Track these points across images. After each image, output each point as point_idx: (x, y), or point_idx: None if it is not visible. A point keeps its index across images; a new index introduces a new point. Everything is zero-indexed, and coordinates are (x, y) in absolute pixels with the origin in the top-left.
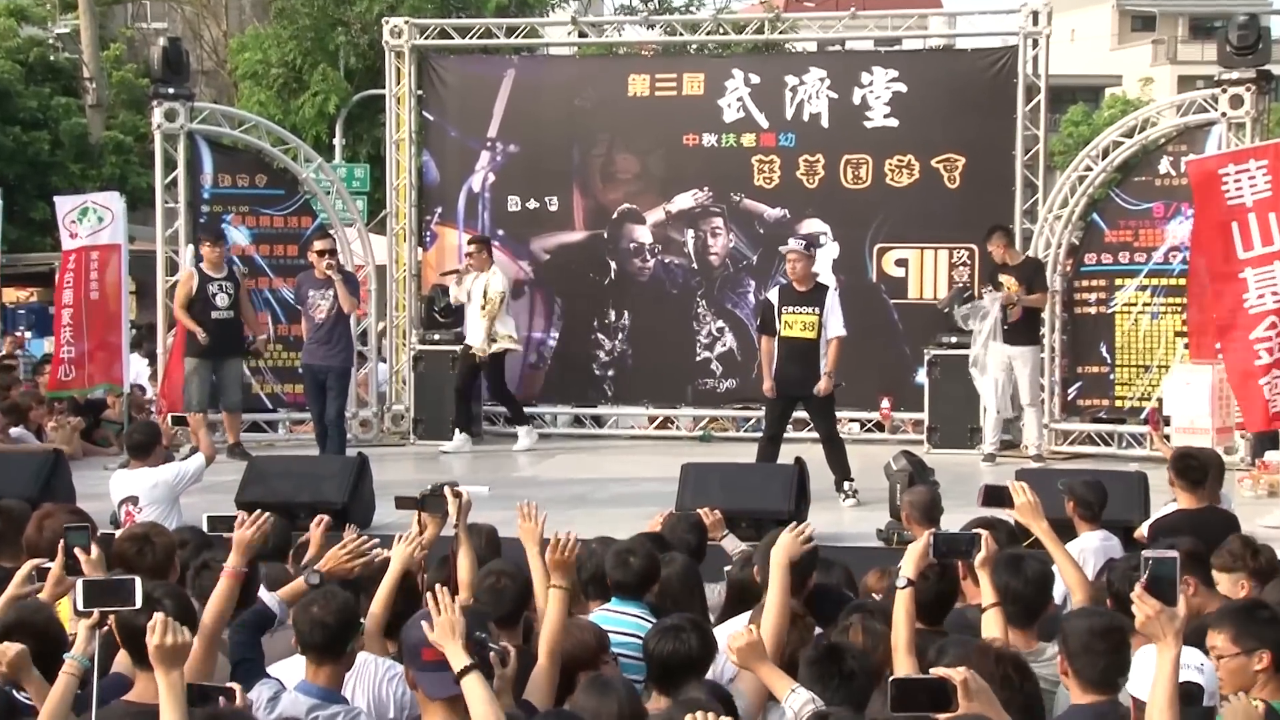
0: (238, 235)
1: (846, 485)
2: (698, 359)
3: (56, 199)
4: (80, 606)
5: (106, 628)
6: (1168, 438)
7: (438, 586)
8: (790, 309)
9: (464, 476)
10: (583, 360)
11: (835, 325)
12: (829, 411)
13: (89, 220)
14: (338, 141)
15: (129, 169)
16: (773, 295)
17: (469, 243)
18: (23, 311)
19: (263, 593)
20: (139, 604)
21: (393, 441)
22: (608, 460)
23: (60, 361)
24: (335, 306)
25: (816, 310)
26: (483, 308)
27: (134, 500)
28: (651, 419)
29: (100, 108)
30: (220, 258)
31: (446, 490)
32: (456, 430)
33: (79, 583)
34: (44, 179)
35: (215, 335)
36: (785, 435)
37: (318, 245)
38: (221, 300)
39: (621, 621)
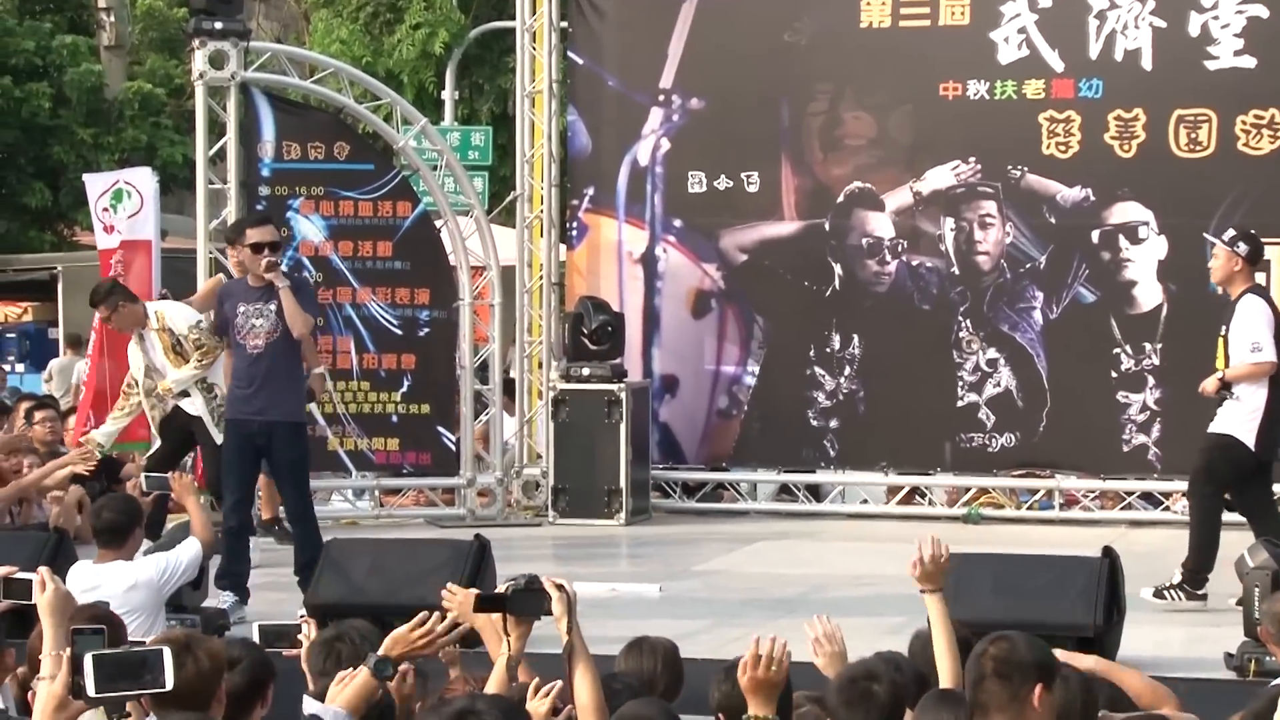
0: (308, 228)
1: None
2: (960, 404)
3: (86, 179)
4: (92, 692)
5: None
6: None
7: None
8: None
9: (627, 571)
10: (794, 405)
11: (1240, 350)
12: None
13: (126, 207)
14: (448, 95)
15: (159, 135)
16: None
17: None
18: (11, 336)
19: (311, 705)
20: (170, 683)
21: (525, 520)
22: (830, 549)
23: (89, 404)
24: (279, 329)
25: (1225, 329)
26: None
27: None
28: (892, 491)
29: (120, 49)
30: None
31: (545, 582)
32: None
33: (88, 658)
34: (43, 149)
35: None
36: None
37: (252, 235)
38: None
39: None
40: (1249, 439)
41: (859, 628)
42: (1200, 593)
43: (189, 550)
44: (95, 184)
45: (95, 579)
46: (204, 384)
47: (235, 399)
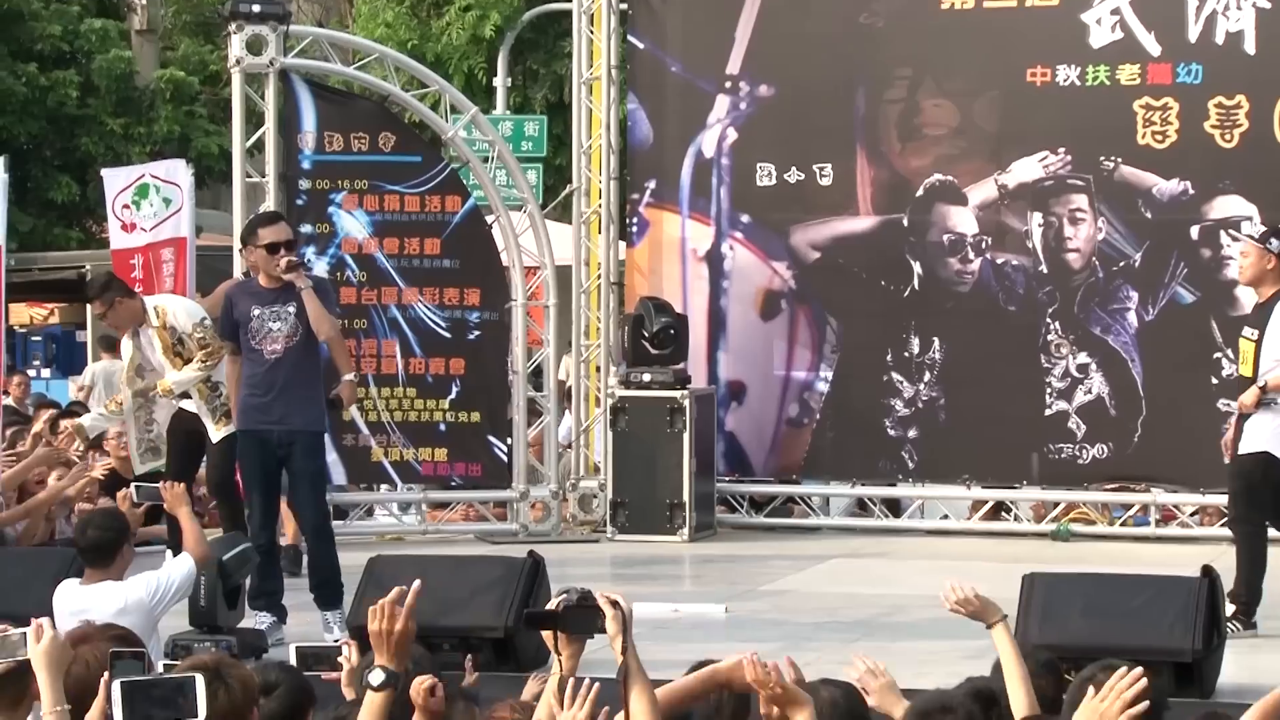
0: (352, 224)
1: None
2: (1048, 412)
3: (105, 173)
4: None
5: None
6: None
7: None
8: (1244, 331)
9: (691, 591)
10: (869, 414)
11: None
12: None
13: (152, 204)
14: (500, 82)
15: (193, 126)
16: None
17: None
18: (38, 339)
19: None
20: (202, 712)
21: (581, 536)
22: (907, 568)
23: None
24: (299, 332)
25: (1257, 333)
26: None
27: None
28: (975, 505)
29: (152, 34)
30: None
31: (598, 598)
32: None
33: (117, 685)
34: (70, 141)
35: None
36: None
37: (265, 235)
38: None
39: None
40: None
41: (938, 652)
42: (1253, 622)
43: (181, 568)
44: (115, 179)
45: (83, 601)
46: (209, 383)
47: (250, 408)
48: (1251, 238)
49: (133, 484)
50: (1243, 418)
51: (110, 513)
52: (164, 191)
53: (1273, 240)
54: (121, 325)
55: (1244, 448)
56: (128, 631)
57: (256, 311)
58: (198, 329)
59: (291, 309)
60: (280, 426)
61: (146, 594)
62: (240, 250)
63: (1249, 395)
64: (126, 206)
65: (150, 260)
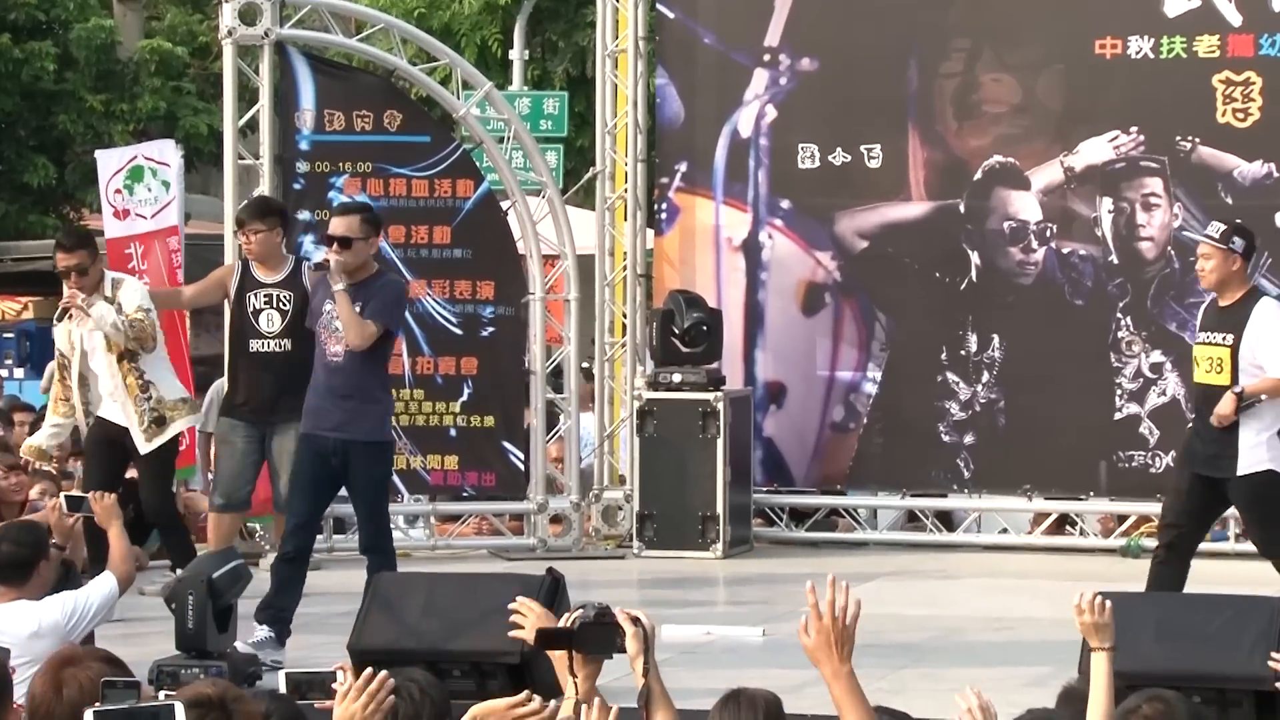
0: None
1: None
2: (1118, 416)
3: (99, 155)
4: None
5: None
6: None
7: None
8: (1202, 337)
9: (725, 612)
10: (922, 418)
11: (1271, 361)
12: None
13: (150, 188)
14: (516, 55)
15: (181, 103)
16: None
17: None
18: (10, 336)
19: None
20: None
21: (605, 551)
22: (963, 586)
23: None
24: None
25: (1230, 338)
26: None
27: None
28: (1037, 519)
29: (135, 2)
30: (270, 246)
31: (618, 615)
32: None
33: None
34: (46, 119)
35: (260, 381)
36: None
37: (343, 224)
38: (270, 321)
39: None
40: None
41: (997, 680)
42: None
43: (101, 588)
44: (109, 160)
45: None
46: (140, 381)
47: (309, 411)
48: (1211, 238)
49: (62, 496)
50: (1210, 431)
51: (27, 527)
52: (161, 174)
53: (1235, 239)
54: (87, 289)
55: (1244, 468)
56: (113, 655)
57: (328, 307)
58: (138, 311)
59: (356, 309)
60: (336, 434)
61: (62, 616)
62: (235, 232)
63: (1226, 404)
64: (119, 191)
65: (156, 250)
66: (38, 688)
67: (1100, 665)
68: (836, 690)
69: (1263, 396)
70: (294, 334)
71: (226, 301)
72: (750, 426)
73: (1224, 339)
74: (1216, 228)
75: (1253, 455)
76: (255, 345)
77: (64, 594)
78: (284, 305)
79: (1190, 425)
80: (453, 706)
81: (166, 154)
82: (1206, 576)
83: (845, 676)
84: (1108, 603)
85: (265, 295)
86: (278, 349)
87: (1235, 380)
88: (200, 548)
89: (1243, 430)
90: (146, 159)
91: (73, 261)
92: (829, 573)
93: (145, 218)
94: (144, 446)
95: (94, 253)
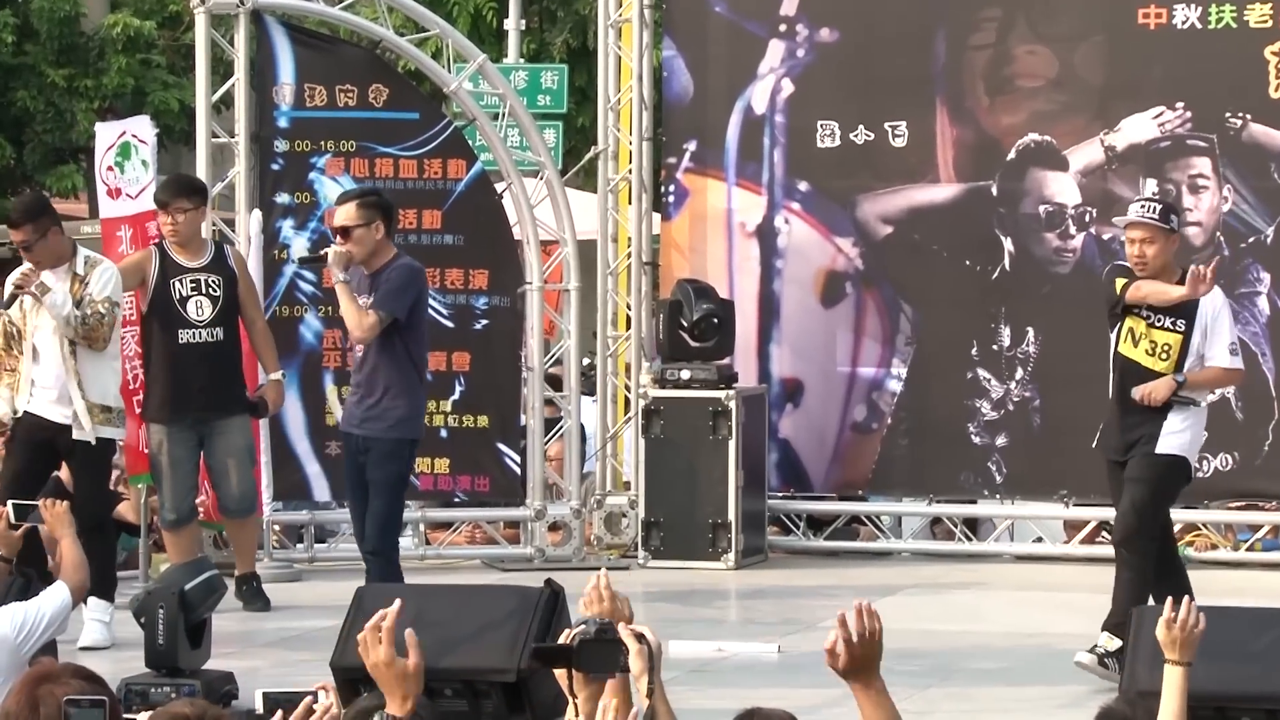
0: (336, 191)
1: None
2: None
3: (98, 127)
4: None
5: None
6: None
7: None
8: (1153, 319)
9: (737, 627)
10: (950, 418)
11: (1218, 351)
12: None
13: (140, 165)
14: (512, 25)
15: (149, 77)
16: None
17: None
18: None
19: None
20: None
21: (608, 561)
22: (993, 599)
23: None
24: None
25: (1183, 325)
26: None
27: None
28: (1073, 526)
29: None
30: (196, 228)
31: (621, 631)
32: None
33: None
34: (4, 95)
35: (192, 375)
36: None
37: (340, 213)
38: (199, 309)
39: None
40: (1194, 459)
41: (1028, 700)
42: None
43: (53, 599)
44: (104, 136)
45: None
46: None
47: (345, 408)
48: (1151, 219)
49: (10, 503)
50: (1133, 417)
51: None
52: (141, 153)
53: (1172, 217)
54: (43, 263)
55: (1164, 447)
56: (92, 672)
57: (361, 300)
58: (103, 304)
59: (368, 300)
60: (359, 431)
61: (12, 629)
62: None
63: (1162, 387)
64: (111, 168)
65: (141, 232)
66: (12, 705)
67: (1175, 681)
68: (867, 707)
69: (1202, 395)
70: (225, 321)
71: (142, 291)
72: (765, 427)
73: (1175, 324)
74: (1152, 207)
75: (1174, 440)
76: (185, 335)
77: (14, 605)
78: (213, 291)
79: (1108, 416)
80: None
81: (143, 130)
82: (1258, 588)
83: (877, 692)
84: (1202, 616)
85: (192, 281)
86: (210, 338)
87: (1180, 369)
88: (159, 558)
89: (1171, 415)
90: (133, 136)
91: (26, 237)
92: (856, 600)
93: (132, 198)
94: (89, 432)
95: (43, 224)
